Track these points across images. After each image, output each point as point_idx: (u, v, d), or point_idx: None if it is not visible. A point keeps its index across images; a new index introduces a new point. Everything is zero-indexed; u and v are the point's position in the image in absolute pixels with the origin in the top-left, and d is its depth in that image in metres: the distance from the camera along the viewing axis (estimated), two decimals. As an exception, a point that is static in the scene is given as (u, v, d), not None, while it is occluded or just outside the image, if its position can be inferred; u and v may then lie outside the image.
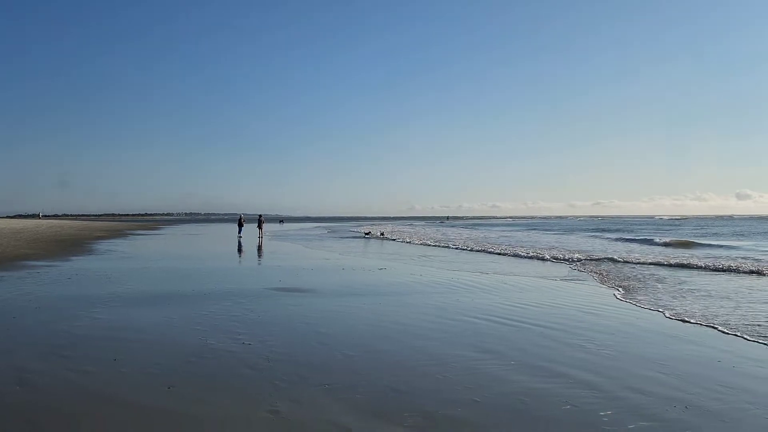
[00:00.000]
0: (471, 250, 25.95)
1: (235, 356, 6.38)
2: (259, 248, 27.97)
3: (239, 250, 26.94)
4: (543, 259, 20.64)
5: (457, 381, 5.49)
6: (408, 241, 35.20)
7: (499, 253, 23.71)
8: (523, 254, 22.73)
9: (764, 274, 14.91)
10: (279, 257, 22.54)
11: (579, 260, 19.60)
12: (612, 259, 19.63)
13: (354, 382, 5.45)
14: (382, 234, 43.19)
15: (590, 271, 16.11)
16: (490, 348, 6.85)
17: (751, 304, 10.14)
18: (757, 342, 7.20)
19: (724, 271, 15.90)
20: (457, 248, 27.67)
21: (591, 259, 19.86)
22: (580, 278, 14.58)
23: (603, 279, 14.26)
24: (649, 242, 30.92)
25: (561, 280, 14.38)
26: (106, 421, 4.41)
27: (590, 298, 11.08)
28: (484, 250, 25.48)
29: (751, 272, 15.36)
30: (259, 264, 19.68)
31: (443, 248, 28.29)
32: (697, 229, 57.10)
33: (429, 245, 30.99)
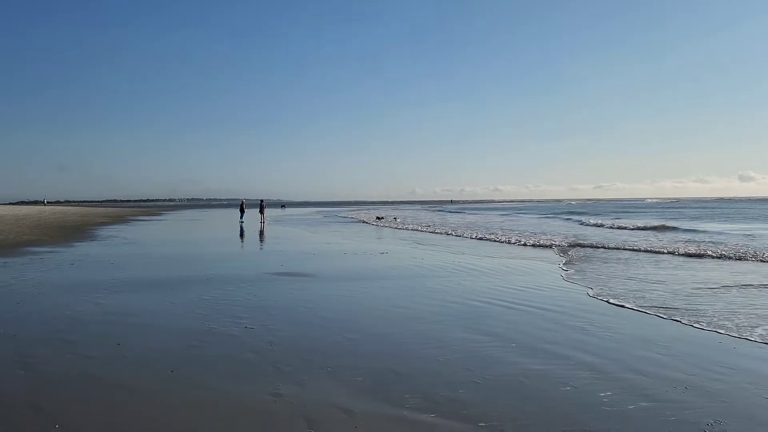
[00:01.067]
0: (472, 236, 25.92)
1: (238, 340, 6.42)
2: (261, 233, 27.99)
3: (241, 235, 26.96)
4: (539, 244, 20.63)
5: (458, 363, 5.52)
6: (410, 226, 35.19)
7: (499, 240, 23.68)
8: (522, 239, 22.70)
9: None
10: (281, 242, 22.57)
11: (576, 245, 19.60)
12: (614, 247, 19.66)
13: (356, 364, 5.49)
14: (395, 219, 43.32)
15: (590, 256, 16.10)
16: (491, 330, 6.87)
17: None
18: (759, 328, 7.22)
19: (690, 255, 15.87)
20: (457, 233, 27.66)
21: (589, 246, 19.86)
22: (581, 262, 14.58)
23: (600, 264, 14.26)
24: (616, 227, 30.78)
25: (560, 264, 14.38)
26: (109, 405, 4.45)
27: (588, 281, 11.08)
28: (484, 236, 25.45)
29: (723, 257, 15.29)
30: (261, 249, 19.72)
31: (444, 233, 28.28)
32: (679, 211, 56.84)
33: (430, 230, 30.97)
